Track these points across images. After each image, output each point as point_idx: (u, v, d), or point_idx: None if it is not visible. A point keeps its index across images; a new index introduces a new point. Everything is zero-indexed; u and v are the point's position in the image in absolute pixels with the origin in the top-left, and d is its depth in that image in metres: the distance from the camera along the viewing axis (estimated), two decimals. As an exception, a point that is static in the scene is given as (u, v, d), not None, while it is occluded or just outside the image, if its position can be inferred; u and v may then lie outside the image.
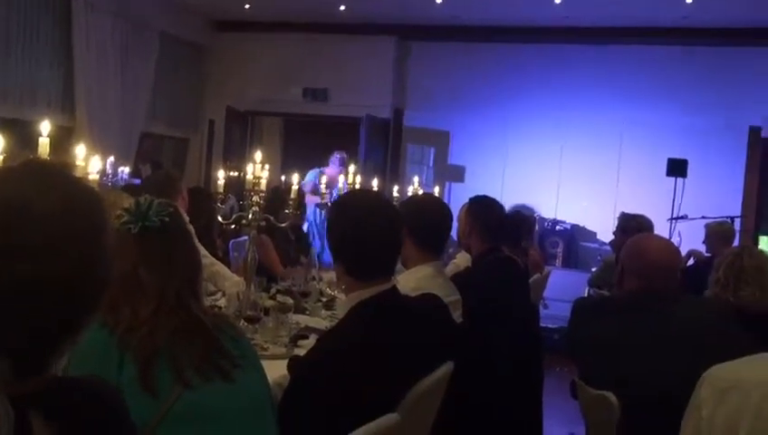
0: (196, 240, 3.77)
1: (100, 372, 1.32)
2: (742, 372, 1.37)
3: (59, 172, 0.84)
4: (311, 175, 7.06)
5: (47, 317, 0.79)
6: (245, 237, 4.02)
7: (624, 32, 7.83)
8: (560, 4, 7.04)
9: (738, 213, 7.51)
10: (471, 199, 3.46)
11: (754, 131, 7.69)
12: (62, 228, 0.79)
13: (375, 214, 1.96)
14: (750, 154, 7.76)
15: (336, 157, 7.11)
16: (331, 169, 6.96)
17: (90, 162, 2.41)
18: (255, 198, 3.03)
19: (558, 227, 8.27)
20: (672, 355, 2.08)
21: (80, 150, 2.35)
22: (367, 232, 1.92)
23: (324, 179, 4.84)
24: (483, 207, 3.37)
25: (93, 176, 2.32)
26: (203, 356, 1.43)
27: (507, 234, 3.78)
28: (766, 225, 7.83)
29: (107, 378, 1.29)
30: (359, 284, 1.92)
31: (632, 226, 4.86)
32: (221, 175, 3.18)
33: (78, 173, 2.21)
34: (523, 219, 5.07)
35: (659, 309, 2.21)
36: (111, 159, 5.82)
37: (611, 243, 5.32)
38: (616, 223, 5.01)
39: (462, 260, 3.74)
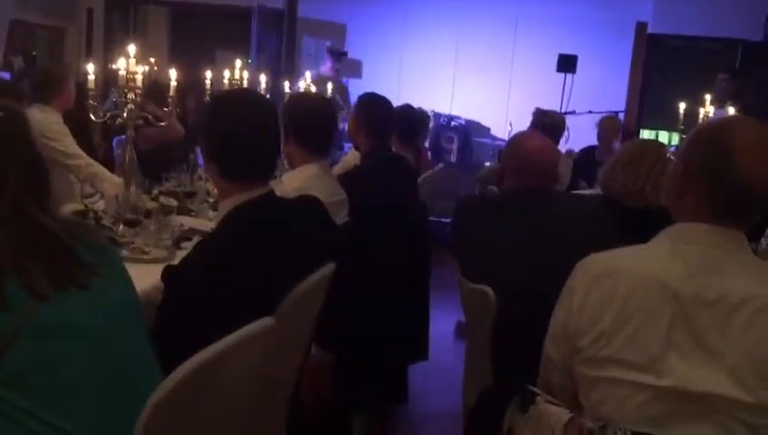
0: (71, 139, 3.60)
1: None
2: (615, 262, 1.45)
3: None
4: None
5: None
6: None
7: None
8: None
9: (623, 108, 7.81)
10: (359, 97, 3.42)
11: (641, 27, 7.89)
12: None
13: (252, 115, 1.88)
14: (636, 49, 7.98)
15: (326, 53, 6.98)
16: (325, 68, 6.80)
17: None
18: (131, 96, 2.86)
19: (453, 123, 8.35)
20: (543, 251, 2.16)
21: None
22: (244, 134, 1.84)
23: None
24: (369, 105, 3.33)
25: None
26: (54, 266, 1.36)
27: (397, 131, 3.76)
28: (649, 119, 8.18)
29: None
30: (235, 187, 1.87)
31: (546, 121, 4.99)
32: (91, 69, 2.96)
33: None
34: (417, 117, 5.06)
35: (533, 206, 2.27)
36: (-25, 50, 5.34)
37: None
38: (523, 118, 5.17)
39: (352, 158, 3.72)
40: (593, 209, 2.51)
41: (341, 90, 6.65)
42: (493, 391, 1.83)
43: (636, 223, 2.52)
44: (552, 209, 2.31)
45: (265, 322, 1.49)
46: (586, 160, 5.37)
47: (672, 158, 2.50)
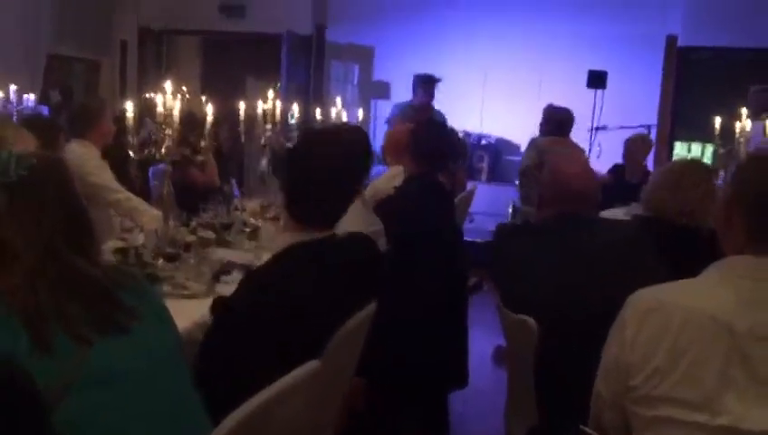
0: (110, 174, 3.66)
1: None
2: (664, 296, 1.43)
3: None
4: (395, 109, 6.38)
5: None
6: (165, 165, 3.90)
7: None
8: None
9: (655, 122, 7.73)
10: (419, 121, 3.49)
11: (671, 40, 7.82)
12: None
13: (334, 163, 1.87)
14: (666, 63, 7.90)
15: (415, 82, 6.34)
16: (418, 98, 6.34)
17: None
18: (168, 131, 2.90)
19: (483, 142, 8.33)
20: (578, 277, 2.13)
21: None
22: (319, 182, 1.85)
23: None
24: (424, 132, 3.37)
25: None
26: (95, 311, 1.37)
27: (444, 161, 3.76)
28: (681, 132, 8.08)
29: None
30: (298, 226, 1.88)
31: (553, 116, 5.27)
32: (130, 107, 3.01)
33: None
34: (454, 141, 5.17)
35: (567, 232, 2.24)
36: (13, 86, 5.46)
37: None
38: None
39: (381, 182, 3.71)
40: (629, 232, 2.47)
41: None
42: (541, 430, 1.80)
43: (677, 244, 2.48)
44: (585, 235, 2.28)
45: (312, 365, 1.49)
46: (616, 181, 5.31)
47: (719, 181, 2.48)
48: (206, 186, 4.19)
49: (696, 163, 2.91)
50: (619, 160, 5.64)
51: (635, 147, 5.35)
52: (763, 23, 7.14)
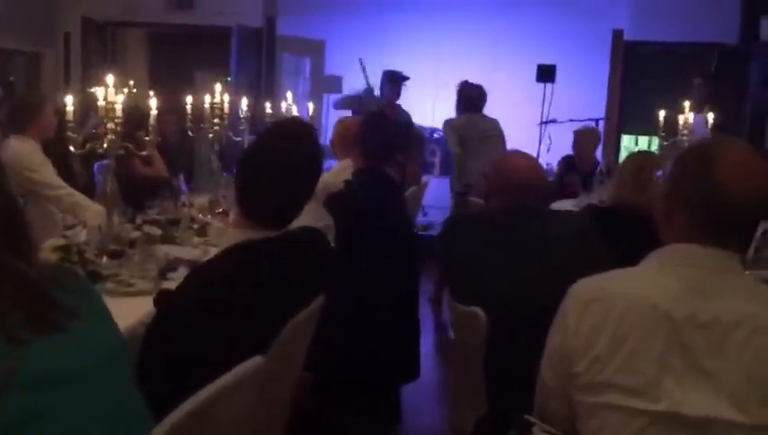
0: (51, 169, 3.55)
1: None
2: (605, 285, 1.44)
3: None
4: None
5: None
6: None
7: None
8: None
9: (603, 115, 7.86)
10: (367, 114, 3.47)
11: (617, 34, 7.95)
12: None
13: (289, 162, 1.83)
14: (613, 57, 8.04)
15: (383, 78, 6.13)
16: (385, 95, 6.11)
17: None
18: (111, 125, 2.83)
19: (435, 136, 8.35)
20: (528, 271, 2.15)
21: None
22: (272, 181, 1.81)
23: None
24: (372, 126, 3.35)
25: None
26: (33, 312, 1.32)
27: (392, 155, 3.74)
28: (629, 125, 8.25)
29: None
30: (248, 223, 1.84)
31: (464, 94, 5.51)
32: (69, 100, 2.92)
33: None
34: (414, 136, 5.21)
35: (516, 225, 2.26)
36: (-49, 80, 5.28)
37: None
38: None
39: (330, 176, 3.69)
40: (580, 224, 2.50)
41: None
42: (489, 419, 1.81)
43: (634, 234, 2.51)
44: (535, 228, 2.30)
45: (255, 361, 1.47)
46: (568, 170, 5.41)
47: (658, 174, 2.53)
48: (155, 180, 4.11)
49: (651, 156, 2.97)
50: (567, 153, 5.72)
51: (584, 139, 5.44)
52: (706, 16, 7.32)
